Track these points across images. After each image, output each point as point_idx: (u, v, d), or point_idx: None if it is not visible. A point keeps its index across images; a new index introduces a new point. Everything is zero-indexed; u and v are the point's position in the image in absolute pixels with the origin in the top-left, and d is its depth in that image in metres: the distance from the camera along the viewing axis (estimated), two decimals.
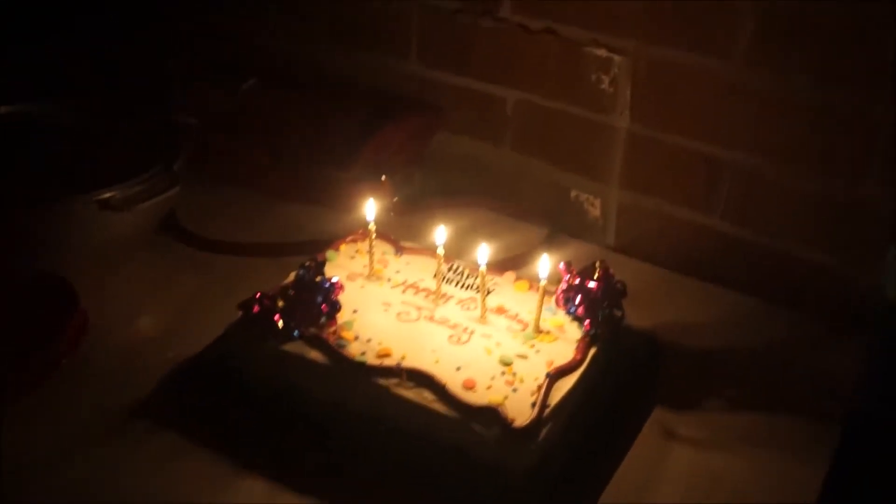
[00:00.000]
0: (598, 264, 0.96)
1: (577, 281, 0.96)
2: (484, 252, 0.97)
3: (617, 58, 1.15)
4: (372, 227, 1.04)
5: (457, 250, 1.05)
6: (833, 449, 0.92)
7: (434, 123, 1.31)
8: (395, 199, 1.26)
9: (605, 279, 0.95)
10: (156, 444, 0.93)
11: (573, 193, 1.26)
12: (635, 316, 1.01)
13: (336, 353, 0.92)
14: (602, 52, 1.16)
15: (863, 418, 0.95)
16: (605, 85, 1.17)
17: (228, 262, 1.19)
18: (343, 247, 1.08)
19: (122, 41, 1.44)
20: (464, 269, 1.04)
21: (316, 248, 1.09)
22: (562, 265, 0.97)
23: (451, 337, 0.95)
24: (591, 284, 0.95)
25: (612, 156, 1.21)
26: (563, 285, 0.97)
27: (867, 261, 1.05)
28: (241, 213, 1.27)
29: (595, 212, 1.25)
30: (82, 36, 1.43)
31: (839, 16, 1.02)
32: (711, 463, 0.93)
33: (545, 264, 0.95)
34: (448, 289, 1.02)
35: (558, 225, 1.25)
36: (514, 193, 1.29)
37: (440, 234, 1.00)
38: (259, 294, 0.95)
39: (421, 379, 0.89)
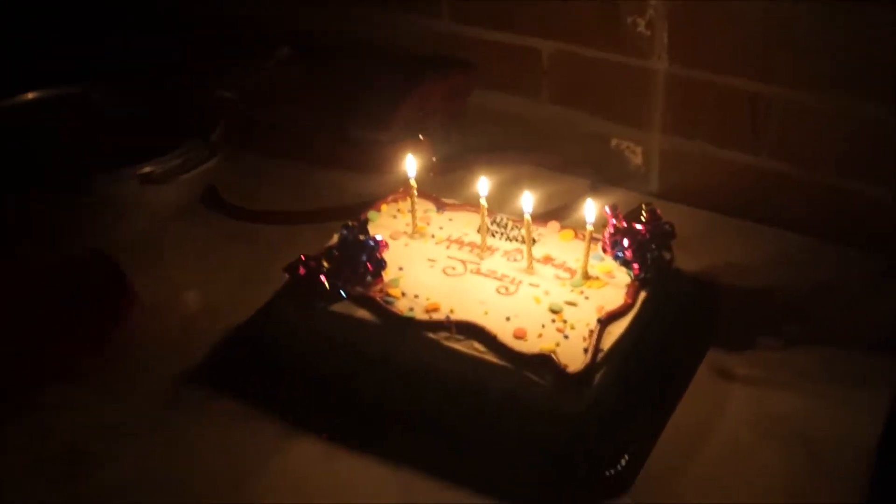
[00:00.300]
0: (644, 206, 0.95)
1: (624, 224, 0.94)
2: (528, 200, 0.96)
3: None
4: (413, 183, 1.03)
5: (499, 204, 1.04)
6: (893, 383, 0.90)
7: (470, 81, 1.30)
8: (434, 158, 1.25)
9: (652, 221, 0.94)
10: (213, 410, 0.94)
11: (614, 142, 1.24)
12: (685, 260, 1.00)
13: (384, 310, 0.92)
14: None
15: None
16: (641, 28, 1.15)
17: (272, 231, 1.19)
18: (384, 207, 1.08)
19: (152, 21, 1.45)
20: (507, 221, 1.03)
21: (358, 211, 1.08)
22: (607, 209, 0.95)
23: (498, 288, 0.95)
24: (639, 227, 0.93)
25: (652, 101, 1.19)
26: (610, 229, 0.95)
27: None
28: (281, 182, 1.27)
29: (637, 159, 1.23)
30: (113, 18, 1.44)
31: None
32: (771, 401, 0.92)
33: (591, 209, 0.94)
34: (492, 241, 1.01)
35: (600, 175, 1.24)
36: (554, 146, 1.27)
37: (482, 185, 0.99)
38: (304, 257, 0.95)
39: (471, 331, 0.88)
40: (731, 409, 0.91)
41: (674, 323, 0.97)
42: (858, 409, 0.90)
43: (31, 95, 1.23)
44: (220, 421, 0.92)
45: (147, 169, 1.07)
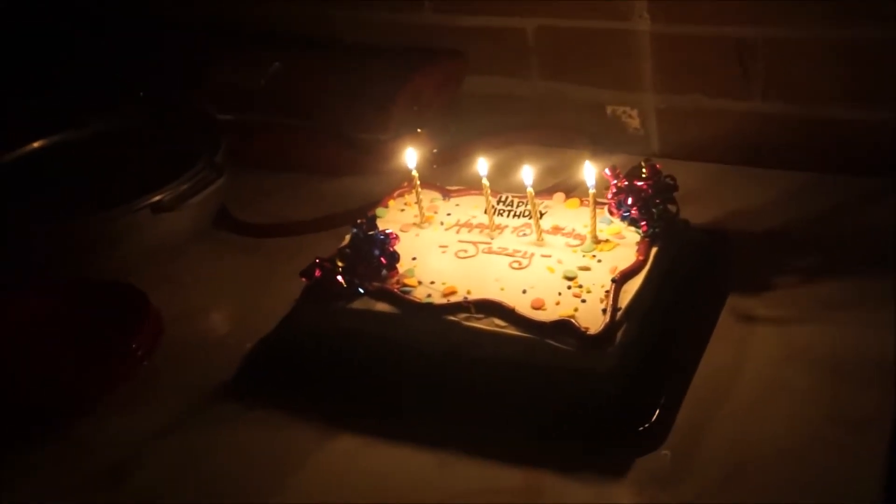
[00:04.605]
0: (643, 163, 0.96)
1: (626, 183, 0.95)
2: (528, 173, 0.97)
3: None
4: (415, 173, 1.05)
5: (504, 184, 1.06)
6: None
7: (459, 69, 1.31)
8: (434, 150, 1.26)
9: (653, 176, 0.95)
10: (247, 419, 0.95)
11: (609, 109, 1.25)
12: (695, 214, 1.01)
13: (403, 300, 0.93)
14: None
15: None
16: None
17: (286, 243, 1.20)
18: (391, 202, 1.09)
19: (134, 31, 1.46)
20: (512, 198, 1.04)
21: (366, 211, 1.09)
22: (607, 170, 0.96)
23: (511, 264, 0.96)
24: (640, 183, 0.94)
25: (641, 62, 1.20)
26: (613, 189, 0.96)
27: None
28: (289, 194, 1.29)
29: (634, 122, 1.24)
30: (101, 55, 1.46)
31: None
32: (793, 335, 0.93)
33: (590, 172, 0.95)
34: (501, 220, 1.02)
35: (600, 143, 1.25)
36: (552, 121, 1.29)
37: (482, 165, 1.01)
38: (318, 259, 0.97)
39: (489, 308, 0.90)
40: (755, 349, 0.92)
41: (690, 274, 0.98)
42: (878, 326, 0.91)
43: (36, 144, 1.26)
44: (254, 429, 0.94)
45: (157, 197, 1.10)
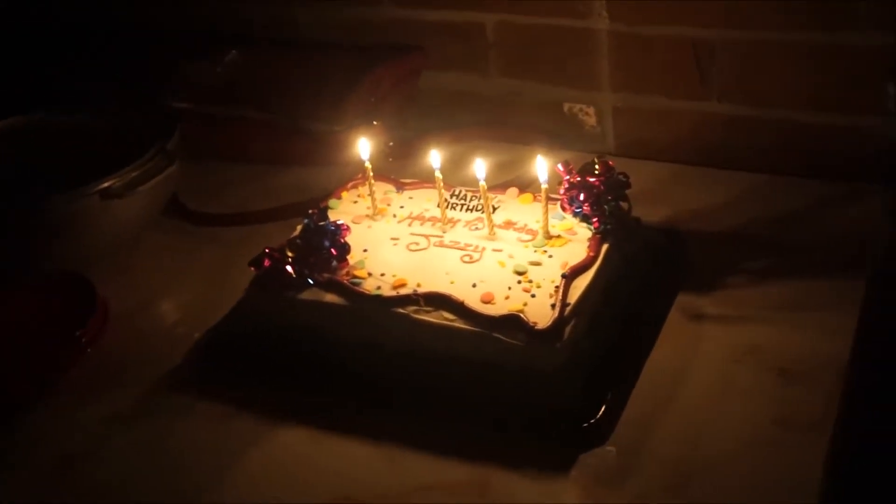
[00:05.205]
0: (596, 159, 0.96)
1: (578, 179, 0.95)
2: (480, 166, 0.97)
3: None
4: (368, 165, 1.04)
5: (458, 179, 1.05)
6: (861, 298, 0.91)
7: (418, 63, 1.31)
8: (391, 143, 1.25)
9: (606, 173, 0.95)
10: (195, 412, 0.94)
11: (566, 106, 1.25)
12: (650, 213, 1.02)
13: (352, 292, 0.93)
14: None
15: (891, 263, 0.94)
16: None
17: (238, 232, 1.19)
18: (344, 194, 1.08)
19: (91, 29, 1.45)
20: (466, 193, 1.04)
21: (319, 203, 1.08)
22: (560, 165, 0.96)
23: (462, 257, 0.95)
24: (593, 180, 0.94)
25: (598, 60, 1.20)
26: (565, 185, 0.96)
27: (870, 110, 1.03)
28: (241, 183, 1.28)
29: (591, 120, 1.24)
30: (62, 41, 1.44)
31: None
32: (744, 335, 0.93)
33: (542, 167, 0.95)
34: (454, 214, 1.02)
35: (556, 140, 1.24)
36: (509, 117, 1.28)
37: (434, 157, 1.00)
38: (267, 249, 0.96)
39: (438, 301, 0.89)
40: (704, 348, 0.92)
41: (641, 272, 0.98)
42: (827, 330, 0.91)
43: None
44: (201, 420, 0.93)
45: (107, 184, 1.08)
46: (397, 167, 1.18)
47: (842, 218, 1.06)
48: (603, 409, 0.85)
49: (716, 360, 0.91)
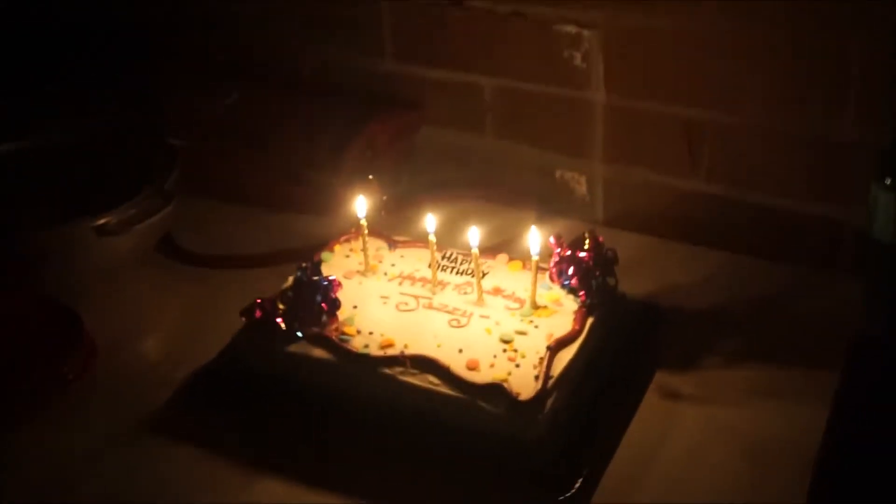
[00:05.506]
0: (587, 234, 0.98)
1: (568, 253, 0.97)
2: (475, 234, 0.99)
3: (586, 32, 1.17)
4: (363, 222, 1.06)
5: (449, 240, 1.07)
6: (834, 386, 0.94)
7: (416, 119, 1.33)
8: (385, 197, 1.27)
9: (595, 248, 0.97)
10: (174, 453, 0.95)
11: (558, 173, 1.28)
12: (631, 285, 1.03)
13: (340, 349, 0.94)
14: (571, 29, 1.18)
15: (863, 355, 0.97)
16: (577, 61, 1.19)
17: (227, 275, 1.20)
18: (337, 247, 1.10)
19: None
20: (457, 255, 1.06)
21: (311, 253, 1.10)
22: (552, 239, 0.99)
23: (450, 321, 0.97)
24: (583, 254, 0.97)
25: (593, 131, 1.23)
26: (555, 258, 0.98)
27: (852, 203, 1.06)
28: (235, 226, 1.29)
29: (581, 189, 1.27)
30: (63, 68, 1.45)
31: None
32: (719, 417, 0.95)
33: (535, 238, 0.97)
34: (444, 276, 1.04)
35: (547, 206, 1.27)
36: (501, 179, 1.31)
37: (430, 222, 1.02)
38: (259, 300, 0.97)
39: (424, 364, 0.91)
40: (678, 427, 0.94)
41: (622, 347, 1.00)
42: (798, 416, 0.94)
43: None
44: (178, 463, 0.94)
45: (103, 220, 1.09)
46: (390, 222, 1.20)
47: (816, 305, 1.08)
48: (580, 481, 0.87)
49: (690, 439, 0.93)
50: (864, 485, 0.85)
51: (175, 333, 1.12)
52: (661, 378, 1.00)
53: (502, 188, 1.30)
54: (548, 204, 1.27)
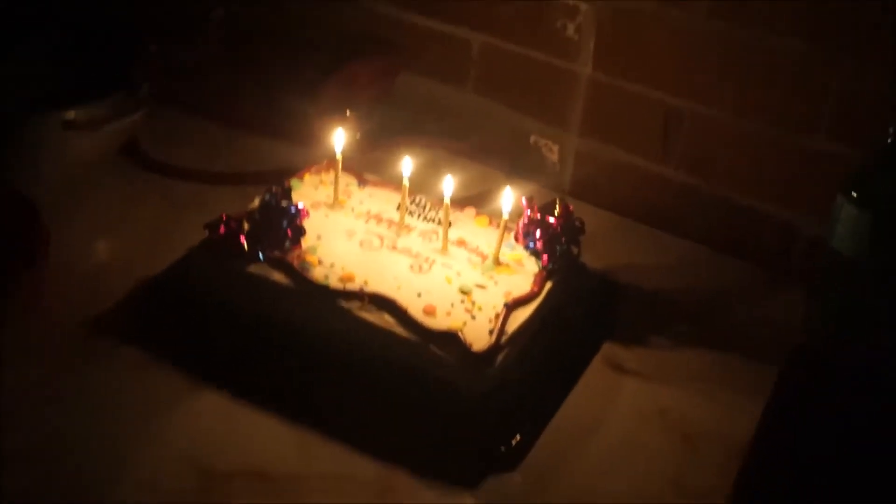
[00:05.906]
0: (558, 200, 0.99)
1: (538, 216, 0.98)
2: (449, 183, 1.00)
3: (583, 5, 1.17)
4: (339, 157, 1.06)
5: (417, 186, 1.07)
6: (771, 385, 0.97)
7: (400, 63, 1.32)
8: (358, 135, 1.27)
9: (565, 215, 0.98)
10: (119, 359, 0.95)
11: (532, 138, 1.28)
12: (590, 258, 1.05)
13: (299, 276, 0.94)
14: (569, 0, 1.18)
15: (801, 359, 1.00)
16: (570, 32, 1.20)
17: (191, 188, 1.19)
18: (307, 176, 1.10)
19: None
20: (426, 202, 1.06)
21: (278, 179, 1.09)
22: (524, 200, 1.00)
23: (412, 266, 0.98)
24: (552, 220, 0.98)
25: (574, 103, 1.23)
26: (525, 219, 0.99)
27: (813, 213, 1.09)
28: (205, 141, 1.27)
29: (553, 157, 1.28)
30: None
31: None
32: (658, 396, 0.98)
33: (508, 198, 0.98)
34: (410, 220, 1.04)
35: (516, 168, 1.27)
36: (476, 135, 1.31)
37: (406, 164, 1.02)
38: (225, 216, 0.97)
39: (383, 303, 0.92)
40: (619, 399, 0.97)
41: (574, 314, 1.02)
42: (734, 407, 0.96)
43: None
44: (126, 369, 0.93)
45: (71, 115, 1.07)
46: (359, 160, 1.19)
47: (767, 304, 1.11)
48: (517, 438, 0.89)
49: (626, 415, 0.95)
50: (788, 477, 0.89)
51: (133, 241, 1.10)
52: (609, 350, 1.02)
53: (475, 144, 1.30)
54: (517, 166, 1.28)
